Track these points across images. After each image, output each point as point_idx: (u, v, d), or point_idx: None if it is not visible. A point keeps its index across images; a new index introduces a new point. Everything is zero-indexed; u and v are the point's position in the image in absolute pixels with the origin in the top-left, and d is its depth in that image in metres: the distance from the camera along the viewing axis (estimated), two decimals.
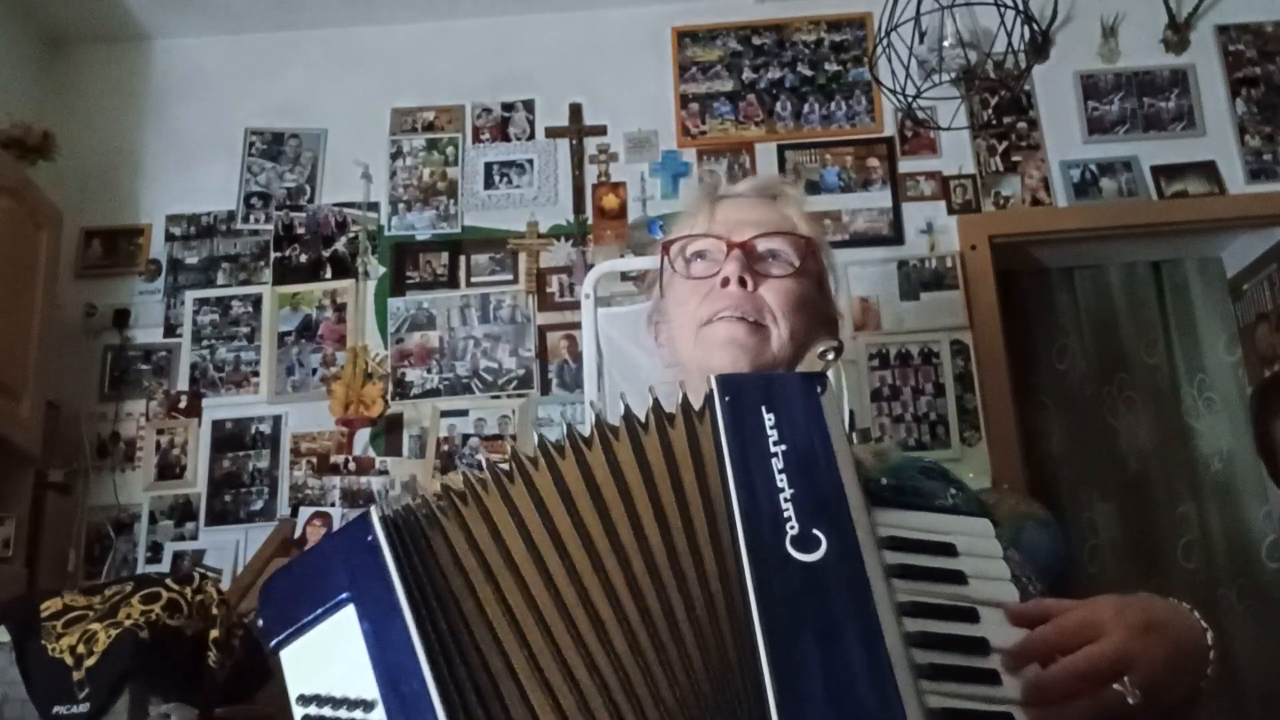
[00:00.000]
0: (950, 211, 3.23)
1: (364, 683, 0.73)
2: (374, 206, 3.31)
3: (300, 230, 3.30)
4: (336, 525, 2.97)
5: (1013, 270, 3.48)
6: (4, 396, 2.67)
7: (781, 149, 3.32)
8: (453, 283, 3.23)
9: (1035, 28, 2.70)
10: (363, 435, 3.09)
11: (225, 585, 2.70)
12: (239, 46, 3.47)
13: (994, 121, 3.30)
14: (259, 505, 3.04)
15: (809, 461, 0.73)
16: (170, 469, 3.07)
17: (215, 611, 2.08)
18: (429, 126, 3.39)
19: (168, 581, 2.09)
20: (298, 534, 2.96)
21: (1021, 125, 3.30)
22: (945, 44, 3.09)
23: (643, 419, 0.81)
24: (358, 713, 0.73)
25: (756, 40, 3.44)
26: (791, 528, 0.69)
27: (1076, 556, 3.27)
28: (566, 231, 3.26)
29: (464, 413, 3.10)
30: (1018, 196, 3.24)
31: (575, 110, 3.37)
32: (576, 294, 2.98)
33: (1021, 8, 2.51)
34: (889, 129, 3.32)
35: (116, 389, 3.15)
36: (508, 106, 3.40)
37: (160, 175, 3.36)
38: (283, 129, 3.39)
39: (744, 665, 0.68)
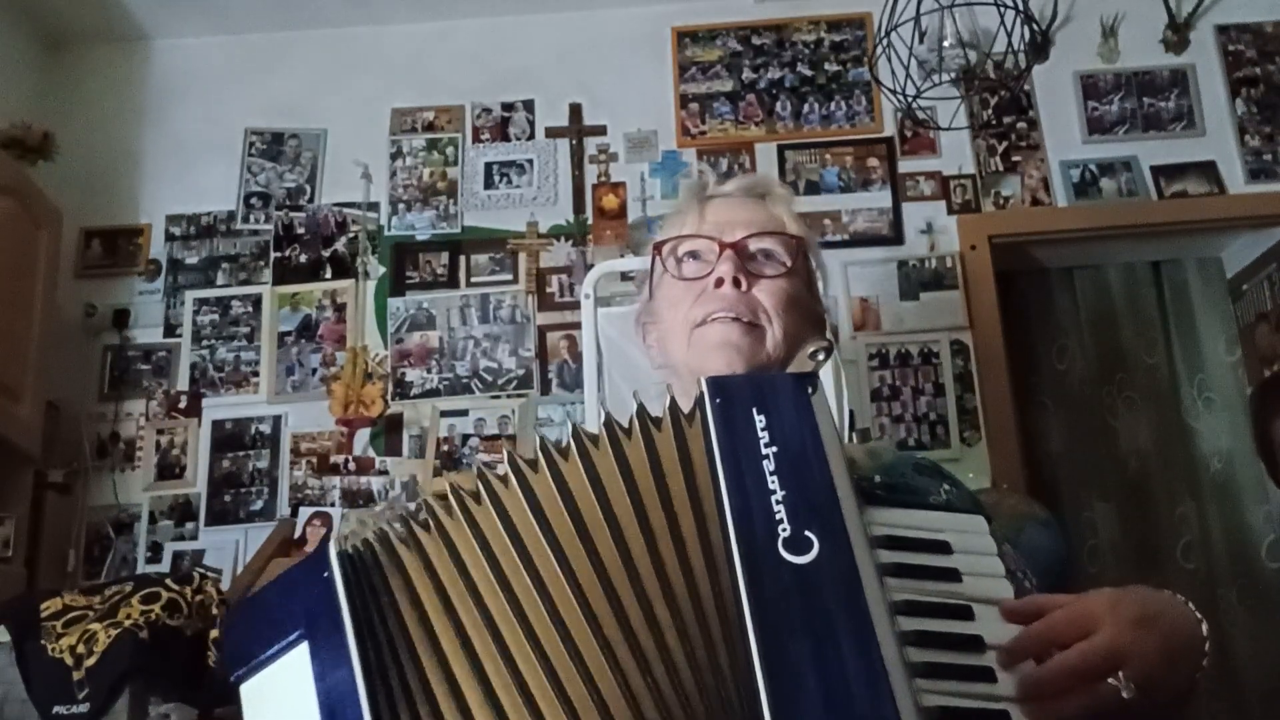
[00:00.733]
0: (950, 211, 3.22)
1: None
2: (374, 206, 3.31)
3: (300, 230, 3.30)
4: (336, 525, 2.98)
5: (1012, 270, 3.48)
6: (4, 396, 2.67)
7: (781, 149, 3.32)
8: (453, 283, 3.23)
9: (1035, 28, 2.69)
10: (363, 435, 3.09)
11: (225, 585, 2.70)
12: (239, 46, 3.47)
13: (994, 121, 3.30)
14: (259, 505, 3.04)
15: (800, 463, 0.72)
16: (170, 469, 3.08)
17: (215, 611, 2.08)
18: (429, 126, 3.39)
19: (168, 581, 2.09)
20: (298, 534, 2.96)
21: (1021, 125, 3.30)
22: (945, 44, 3.10)
23: (625, 424, 0.78)
24: None
25: (756, 40, 3.44)
26: (783, 530, 0.68)
27: (1076, 556, 3.26)
28: (566, 231, 3.26)
29: (464, 413, 3.10)
30: (1018, 196, 3.24)
31: (575, 110, 3.37)
32: (576, 294, 2.98)
33: (1021, 8, 2.51)
34: (889, 129, 3.32)
35: (116, 389, 3.15)
36: (508, 106, 3.40)
37: (160, 175, 3.36)
38: (283, 129, 3.39)
39: (736, 670, 0.67)
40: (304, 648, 0.73)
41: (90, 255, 3.28)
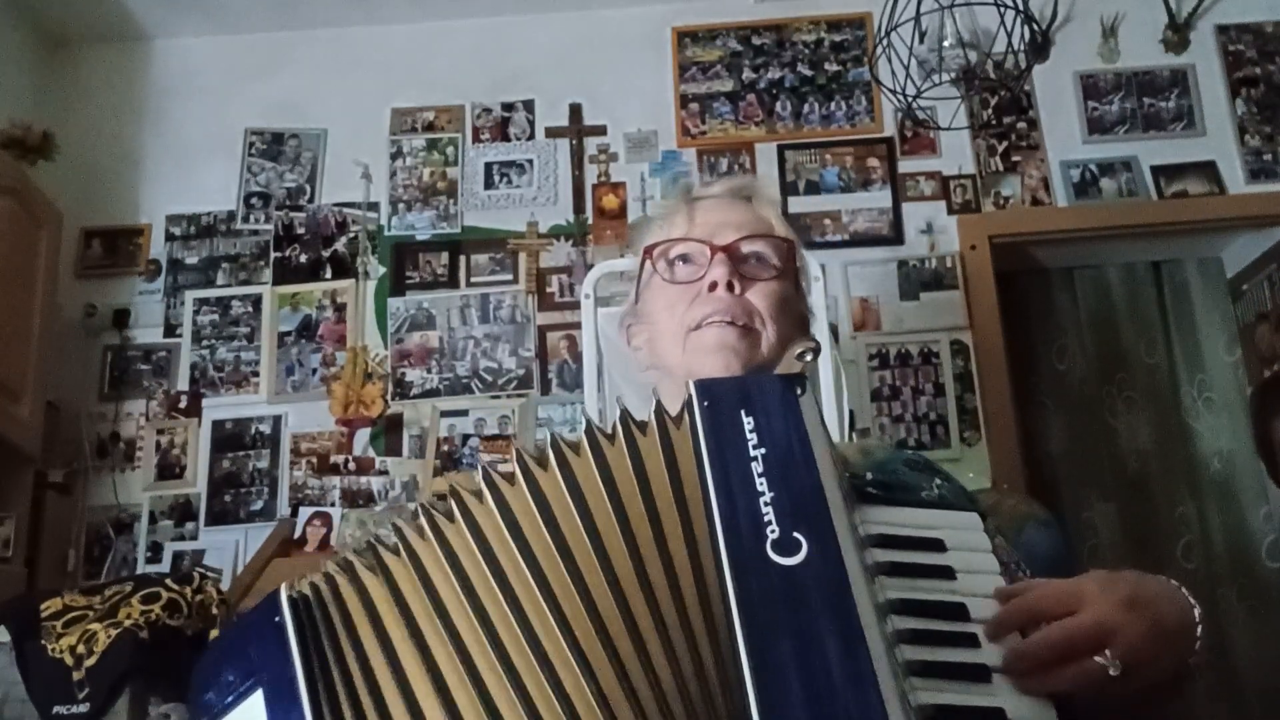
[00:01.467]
0: (950, 211, 3.22)
1: None
2: (374, 206, 3.31)
3: (300, 230, 3.30)
4: (336, 525, 2.98)
5: (1012, 270, 3.48)
6: (4, 396, 2.67)
7: (781, 149, 3.32)
8: (453, 283, 3.23)
9: (1035, 28, 2.69)
10: (363, 435, 3.09)
11: (225, 585, 2.70)
12: (238, 46, 3.47)
13: (994, 121, 3.30)
14: (259, 505, 3.04)
15: (789, 464, 0.71)
16: (170, 469, 3.08)
17: (215, 611, 2.09)
18: (429, 126, 3.40)
19: (168, 581, 2.09)
20: (298, 534, 2.97)
21: (1021, 125, 3.30)
22: (945, 44, 3.09)
23: (609, 430, 0.77)
24: None
25: (756, 40, 3.44)
26: (772, 531, 0.68)
27: (1077, 557, 3.26)
28: (566, 231, 3.26)
29: (464, 413, 3.10)
30: (1017, 196, 3.24)
31: (575, 110, 3.37)
32: (576, 294, 2.98)
33: (1021, 8, 2.51)
34: (889, 129, 3.32)
35: (116, 389, 3.15)
36: (508, 106, 3.41)
37: (160, 175, 3.36)
38: (282, 129, 3.40)
39: (724, 675, 0.66)
40: (259, 695, 0.72)
41: (90, 255, 3.28)
